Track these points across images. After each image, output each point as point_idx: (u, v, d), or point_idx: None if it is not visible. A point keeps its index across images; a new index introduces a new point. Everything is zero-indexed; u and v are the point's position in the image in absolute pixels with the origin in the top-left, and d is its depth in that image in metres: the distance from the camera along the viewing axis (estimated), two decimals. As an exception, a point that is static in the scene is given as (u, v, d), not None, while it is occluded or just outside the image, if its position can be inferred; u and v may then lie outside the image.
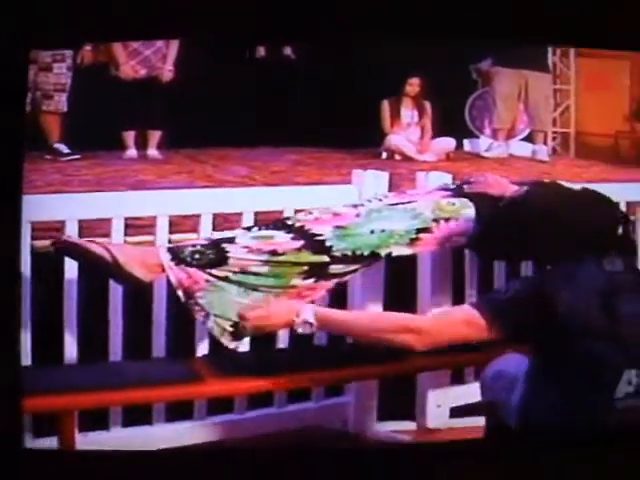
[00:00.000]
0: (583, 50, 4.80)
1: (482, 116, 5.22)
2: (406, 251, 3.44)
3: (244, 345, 3.52)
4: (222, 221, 3.60)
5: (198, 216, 3.59)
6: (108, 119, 5.06)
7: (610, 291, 2.76)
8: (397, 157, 5.14)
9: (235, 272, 3.35)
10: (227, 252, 3.35)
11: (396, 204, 3.49)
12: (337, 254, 3.37)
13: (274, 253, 3.36)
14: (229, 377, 3.29)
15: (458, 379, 3.85)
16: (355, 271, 3.45)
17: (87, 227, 3.45)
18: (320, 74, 4.77)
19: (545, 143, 5.25)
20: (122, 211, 3.51)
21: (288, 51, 4.90)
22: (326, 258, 3.37)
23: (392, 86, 5.02)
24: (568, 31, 3.24)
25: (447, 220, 3.43)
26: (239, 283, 3.35)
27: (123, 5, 3.05)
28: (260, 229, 3.43)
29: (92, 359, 3.46)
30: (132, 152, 5.62)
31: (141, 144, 5.49)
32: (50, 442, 3.22)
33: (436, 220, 3.43)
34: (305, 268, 3.36)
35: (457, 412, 3.83)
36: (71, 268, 3.43)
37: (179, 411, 3.57)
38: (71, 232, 3.43)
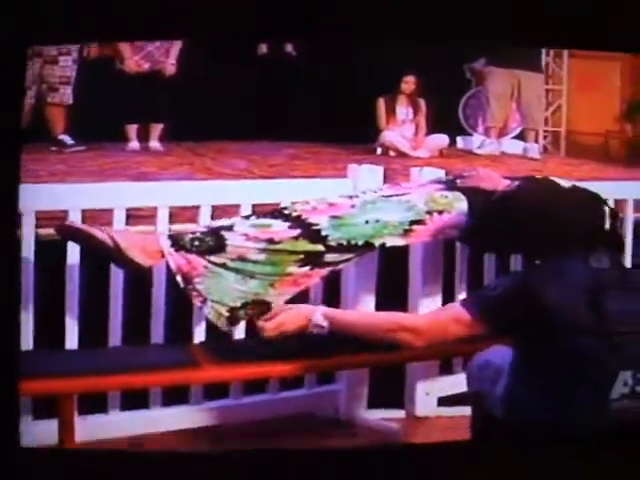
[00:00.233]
0: (576, 51, 4.80)
1: (475, 114, 5.21)
2: (399, 242, 3.41)
3: (240, 332, 3.50)
4: (220, 213, 3.58)
5: (197, 207, 3.56)
6: (112, 112, 5.04)
7: (596, 288, 2.72)
8: (392, 153, 5.13)
9: (233, 259, 3.33)
10: (226, 239, 3.33)
11: (390, 196, 3.47)
12: (332, 243, 3.34)
13: (271, 241, 3.33)
14: (225, 363, 3.26)
15: (447, 369, 3.84)
16: (349, 260, 3.43)
17: (90, 217, 3.41)
18: (319, 72, 4.76)
19: (536, 141, 5.24)
20: (124, 201, 3.47)
21: (289, 48, 4.89)
22: (321, 247, 3.34)
23: (388, 84, 5.02)
24: (563, 33, 3.20)
25: (440, 213, 3.41)
26: (237, 270, 3.33)
27: (123, 5, 2.99)
28: (258, 218, 3.41)
29: (92, 344, 3.43)
30: (134, 144, 5.60)
31: (143, 136, 5.49)
32: (49, 425, 3.19)
33: (429, 212, 3.40)
34: (301, 256, 3.33)
35: (445, 401, 3.81)
36: (73, 255, 3.41)
37: (176, 396, 3.55)
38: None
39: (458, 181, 3.52)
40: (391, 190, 3.53)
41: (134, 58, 4.87)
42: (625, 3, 3.14)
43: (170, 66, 4.94)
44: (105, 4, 2.96)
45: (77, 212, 3.37)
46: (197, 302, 3.34)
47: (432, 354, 3.36)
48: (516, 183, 3.25)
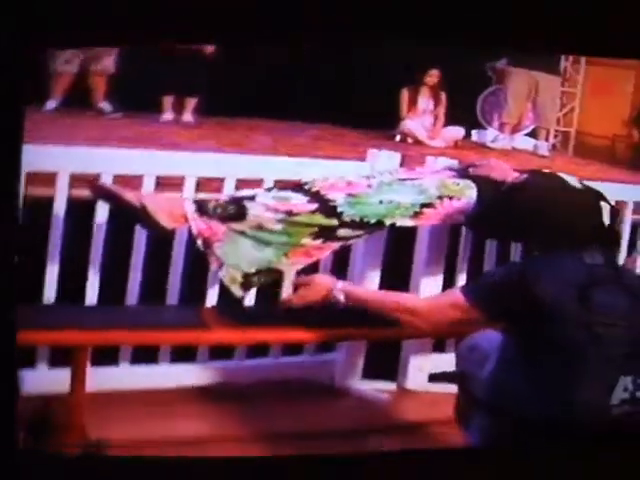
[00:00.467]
0: (594, 59, 4.82)
1: (492, 110, 5.25)
2: (409, 223, 3.42)
3: (250, 299, 3.55)
4: (244, 186, 3.60)
5: (222, 179, 3.59)
6: (150, 83, 5.10)
7: (587, 283, 2.72)
8: (409, 140, 5.17)
9: (252, 227, 3.35)
10: (247, 208, 3.35)
11: (405, 179, 3.48)
12: (346, 219, 3.36)
13: (289, 213, 3.36)
14: (233, 327, 3.28)
15: (440, 347, 3.87)
16: (360, 236, 3.45)
17: (120, 182, 3.42)
18: (351, 60, 4.79)
19: (547, 140, 5.27)
20: (153, 169, 3.50)
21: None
22: (336, 222, 3.36)
23: (413, 75, 5.06)
24: (579, 39, 3.18)
25: (450, 198, 3.42)
26: (254, 238, 3.36)
27: (123, 5, 2.92)
28: (279, 191, 3.44)
29: (110, 301, 3.47)
30: (169, 115, 5.67)
31: (178, 109, 5.54)
32: (64, 373, 3.19)
33: (440, 197, 3.42)
34: (315, 229, 3.35)
35: (435, 378, 3.84)
36: (101, 215, 3.44)
37: (183, 354, 3.60)
38: (105, 184, 3.45)
39: (470, 170, 3.52)
40: (406, 174, 3.55)
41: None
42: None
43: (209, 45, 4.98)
44: (105, 5, 2.89)
45: (109, 176, 3.40)
46: (214, 266, 3.36)
47: (429, 333, 3.38)
48: (525, 176, 3.25)
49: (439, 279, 3.76)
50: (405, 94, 5.05)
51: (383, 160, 3.73)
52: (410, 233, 3.69)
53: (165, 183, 3.54)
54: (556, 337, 2.70)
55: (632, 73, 4.68)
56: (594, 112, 5.09)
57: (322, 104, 4.88)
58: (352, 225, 3.39)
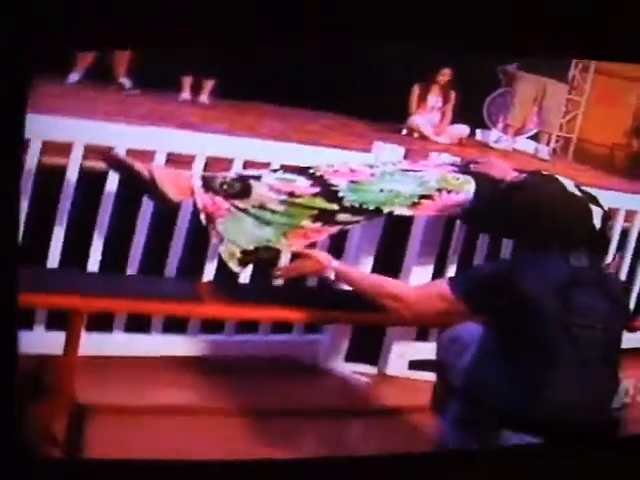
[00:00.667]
0: (602, 68, 4.83)
1: (498, 112, 5.25)
2: (406, 212, 3.46)
3: (245, 276, 3.58)
4: (252, 168, 3.62)
5: (231, 160, 3.62)
6: (171, 62, 5.11)
7: (569, 284, 2.75)
8: (415, 135, 5.19)
9: (254, 206, 3.38)
10: (252, 187, 3.38)
11: (408, 170, 3.51)
12: (346, 204, 3.39)
13: (292, 194, 3.39)
14: (226, 302, 3.34)
15: (423, 336, 3.89)
16: (358, 222, 3.49)
17: (132, 156, 3.45)
18: (368, 55, 4.79)
19: (548, 144, 5.28)
20: (165, 146, 3.53)
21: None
22: (336, 206, 3.40)
23: (425, 72, 5.06)
24: (590, 44, 3.16)
25: (449, 192, 3.45)
26: (256, 216, 3.39)
27: (123, 5, 2.88)
28: (285, 172, 3.47)
29: (111, 270, 3.51)
30: (186, 95, 5.67)
31: (195, 89, 5.55)
32: (58, 336, 3.23)
33: (439, 190, 3.44)
34: (316, 212, 3.39)
35: (415, 365, 3.87)
36: (111, 184, 3.48)
37: (175, 325, 3.63)
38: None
39: (471, 166, 3.54)
40: (409, 165, 3.58)
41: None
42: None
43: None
44: (105, 6, 2.86)
45: (122, 150, 3.43)
46: (215, 240, 3.40)
47: (412, 321, 3.39)
48: (523, 175, 3.28)
49: (429, 269, 3.78)
50: (416, 90, 5.06)
51: (387, 153, 3.76)
52: (406, 222, 3.71)
53: (175, 160, 3.56)
54: (534, 334, 2.72)
55: (638, 85, 4.68)
56: (597, 120, 5.09)
57: (335, 94, 4.88)
58: (351, 210, 3.42)
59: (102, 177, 3.47)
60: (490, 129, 5.20)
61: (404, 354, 3.88)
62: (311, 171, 3.45)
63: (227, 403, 3.37)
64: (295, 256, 3.29)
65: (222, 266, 3.48)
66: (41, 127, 3.22)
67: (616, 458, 3.03)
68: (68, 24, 2.81)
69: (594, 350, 2.74)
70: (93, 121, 3.54)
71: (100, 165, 3.46)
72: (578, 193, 3.00)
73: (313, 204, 3.40)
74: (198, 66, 5.43)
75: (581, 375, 2.72)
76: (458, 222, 3.75)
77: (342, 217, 3.42)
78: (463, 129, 5.12)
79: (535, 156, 5.10)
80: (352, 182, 3.43)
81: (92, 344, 3.34)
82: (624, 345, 2.89)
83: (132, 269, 3.54)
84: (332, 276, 3.08)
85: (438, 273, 3.75)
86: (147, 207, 3.52)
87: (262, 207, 3.39)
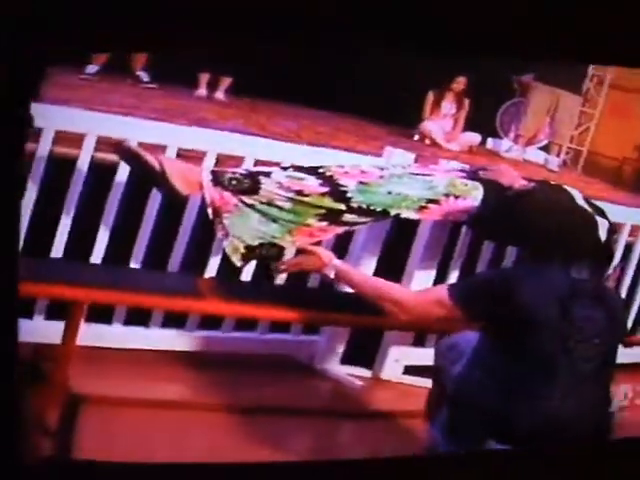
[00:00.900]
0: (617, 82, 4.81)
1: (511, 121, 5.25)
2: (413, 215, 3.42)
3: (247, 274, 3.57)
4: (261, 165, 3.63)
5: (242, 158, 3.60)
6: (189, 58, 5.10)
7: (567, 296, 2.70)
8: (427, 141, 5.18)
9: (262, 202, 3.36)
10: (261, 184, 3.36)
11: (417, 174, 3.49)
12: (353, 205, 3.36)
13: (300, 193, 3.37)
14: (226, 300, 3.30)
15: (420, 341, 3.86)
16: (364, 223, 3.46)
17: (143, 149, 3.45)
18: (383, 58, 4.78)
19: (558, 155, 5.27)
20: (177, 142, 3.51)
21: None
22: (343, 206, 3.37)
23: (440, 79, 5.07)
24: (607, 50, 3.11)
25: (456, 197, 3.42)
26: (262, 212, 3.37)
27: (123, 6, 2.82)
28: (294, 171, 3.46)
29: (115, 262, 3.49)
30: (202, 91, 5.67)
31: (212, 86, 5.55)
32: (58, 325, 3.20)
33: (447, 195, 3.41)
34: (323, 211, 3.36)
35: (411, 370, 3.83)
36: (121, 176, 3.45)
37: (174, 320, 3.61)
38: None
39: (480, 172, 3.52)
40: (418, 169, 3.56)
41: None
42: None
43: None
44: (105, 6, 2.80)
45: (134, 143, 3.40)
46: (220, 234, 3.38)
47: (410, 325, 3.33)
48: (532, 184, 3.26)
49: (432, 273, 3.75)
50: (430, 96, 5.07)
51: (398, 158, 3.74)
52: (412, 226, 3.68)
53: (186, 155, 3.55)
54: (530, 344, 2.68)
55: (652, 100, 4.68)
56: (608, 134, 5.08)
57: (349, 95, 4.88)
58: (358, 211, 3.40)
59: (112, 170, 3.45)
60: (501, 138, 5.20)
61: (400, 359, 3.84)
62: (321, 170, 3.44)
63: (219, 399, 3.34)
64: (298, 252, 3.26)
65: (225, 263, 3.46)
66: (54, 117, 3.24)
67: (616, 460, 3.01)
68: (68, 25, 2.77)
69: (588, 364, 2.69)
70: (107, 113, 3.55)
71: (110, 158, 3.44)
72: (585, 204, 2.97)
73: (321, 203, 3.38)
74: (215, 63, 5.44)
75: (573, 388, 2.68)
76: (464, 228, 3.71)
77: (349, 217, 3.40)
78: (474, 137, 5.11)
79: (544, 167, 5.10)
80: (361, 183, 3.40)
81: (90, 335, 3.32)
82: (623, 360, 2.86)
83: (136, 262, 3.52)
84: (332, 275, 3.06)
85: (440, 279, 3.71)
86: (154, 202, 3.49)
87: (269, 204, 3.37)
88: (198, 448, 2.98)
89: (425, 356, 3.46)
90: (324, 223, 3.39)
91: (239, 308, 3.31)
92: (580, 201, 2.99)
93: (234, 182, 3.36)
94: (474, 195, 3.42)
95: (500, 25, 2.92)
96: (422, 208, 3.42)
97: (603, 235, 2.87)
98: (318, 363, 3.80)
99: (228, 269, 3.44)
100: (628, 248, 4.12)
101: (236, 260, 3.37)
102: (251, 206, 3.36)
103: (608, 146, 5.09)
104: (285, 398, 3.45)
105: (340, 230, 3.43)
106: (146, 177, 3.35)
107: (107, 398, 3.13)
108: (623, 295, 3.91)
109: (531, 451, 2.72)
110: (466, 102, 5.03)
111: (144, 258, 3.52)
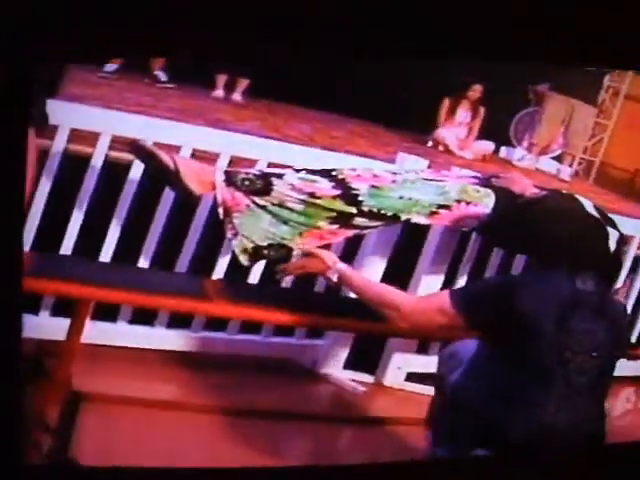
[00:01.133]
0: (633, 94, 4.80)
1: (525, 130, 5.24)
2: (423, 221, 3.41)
3: (254, 277, 3.56)
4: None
5: (255, 160, 3.59)
6: (207, 58, 5.10)
7: (570, 307, 2.66)
8: (440, 148, 5.18)
9: (273, 204, 3.36)
10: (273, 185, 3.35)
11: (430, 180, 3.48)
12: (365, 209, 3.35)
13: (312, 195, 3.36)
14: (232, 302, 3.25)
15: (423, 349, 3.84)
16: (375, 227, 3.43)
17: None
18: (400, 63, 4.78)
19: (571, 165, 5.25)
20: (192, 143, 3.50)
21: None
22: (354, 210, 3.35)
23: (456, 87, 5.06)
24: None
25: (467, 203, 3.41)
26: (273, 214, 3.36)
27: (123, 6, 2.86)
28: (307, 173, 3.45)
29: (124, 260, 3.48)
30: (219, 92, 5.69)
31: (229, 87, 5.56)
32: (62, 322, 3.18)
33: (458, 201, 3.40)
34: (334, 214, 3.35)
35: (413, 378, 3.81)
36: (134, 174, 3.44)
37: (180, 320, 3.60)
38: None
39: (492, 180, 3.51)
40: (431, 175, 3.55)
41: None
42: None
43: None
44: (105, 7, 2.77)
45: (150, 143, 3.37)
46: (229, 234, 3.36)
47: (411, 332, 3.31)
48: (543, 193, 3.25)
49: (440, 279, 3.72)
50: (446, 103, 5.06)
51: (411, 165, 3.72)
52: (422, 231, 3.66)
53: (200, 156, 3.54)
54: (527, 353, 2.64)
55: (666, 112, 4.67)
56: (622, 145, 5.06)
57: (364, 100, 4.89)
58: (369, 215, 3.39)
59: (125, 168, 3.44)
60: (515, 147, 5.19)
61: (402, 366, 3.82)
62: (334, 173, 3.42)
63: (220, 401, 3.31)
64: (302, 255, 3.21)
65: (234, 262, 3.44)
66: (71, 115, 3.23)
67: (616, 462, 2.99)
68: (68, 25, 2.74)
69: (584, 377, 2.66)
70: (123, 112, 3.55)
71: (124, 156, 3.44)
72: (596, 213, 2.95)
73: (332, 206, 3.37)
74: (232, 64, 5.45)
75: (566, 400, 2.64)
76: (474, 234, 3.68)
77: (359, 221, 3.39)
78: (488, 145, 5.10)
79: (556, 176, 5.09)
80: (373, 187, 3.39)
81: (94, 332, 3.31)
82: (628, 373, 2.84)
83: (145, 261, 3.51)
84: (335, 278, 3.03)
85: (449, 283, 3.69)
86: (166, 202, 3.48)
87: (281, 205, 3.36)
88: (198, 450, 2.96)
89: (428, 364, 3.45)
90: (335, 226, 3.38)
91: (245, 311, 3.26)
92: (591, 210, 2.97)
93: (247, 183, 3.35)
94: (486, 202, 3.40)
95: (500, 25, 2.92)
96: (433, 213, 3.40)
97: (613, 245, 2.84)
98: (321, 367, 3.78)
99: (236, 270, 3.43)
100: (637, 261, 4.08)
101: (244, 260, 3.35)
102: (263, 207, 3.35)
103: (621, 158, 5.08)
104: (286, 402, 3.44)
105: (350, 233, 3.42)
106: (160, 176, 3.35)
107: (108, 397, 3.11)
108: (629, 308, 3.88)
109: (528, 458, 2.70)
110: (481, 110, 5.02)
111: (153, 257, 3.50)
